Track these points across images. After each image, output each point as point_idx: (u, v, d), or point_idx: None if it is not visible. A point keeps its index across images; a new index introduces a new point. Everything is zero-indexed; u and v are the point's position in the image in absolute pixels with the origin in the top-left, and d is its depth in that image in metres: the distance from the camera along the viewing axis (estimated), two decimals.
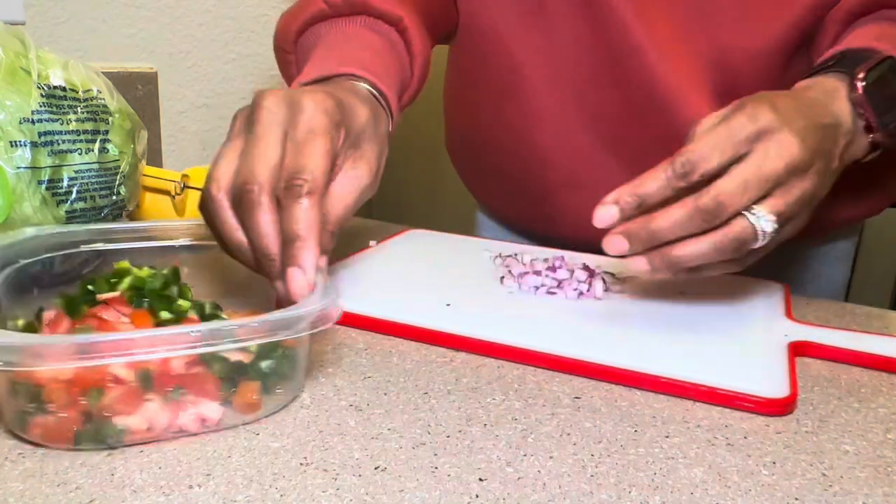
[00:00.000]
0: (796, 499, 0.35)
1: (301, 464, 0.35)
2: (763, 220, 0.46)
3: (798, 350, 0.51)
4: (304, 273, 0.41)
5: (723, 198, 0.45)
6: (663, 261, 0.48)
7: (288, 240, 0.42)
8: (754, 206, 0.46)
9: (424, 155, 1.71)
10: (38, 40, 0.57)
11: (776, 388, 0.43)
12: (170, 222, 0.54)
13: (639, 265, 0.49)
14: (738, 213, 0.46)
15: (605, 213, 0.48)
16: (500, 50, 0.72)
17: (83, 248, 0.49)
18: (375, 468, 0.35)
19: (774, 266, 0.74)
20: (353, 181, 0.47)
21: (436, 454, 0.37)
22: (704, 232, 0.47)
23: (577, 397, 0.43)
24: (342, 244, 0.52)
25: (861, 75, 0.51)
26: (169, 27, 1.07)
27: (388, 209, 2.02)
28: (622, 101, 0.68)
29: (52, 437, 0.35)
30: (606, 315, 0.54)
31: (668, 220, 0.47)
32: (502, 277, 0.60)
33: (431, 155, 1.65)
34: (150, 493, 0.33)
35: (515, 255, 0.66)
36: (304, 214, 0.42)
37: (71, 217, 0.55)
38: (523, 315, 0.53)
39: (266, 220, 0.42)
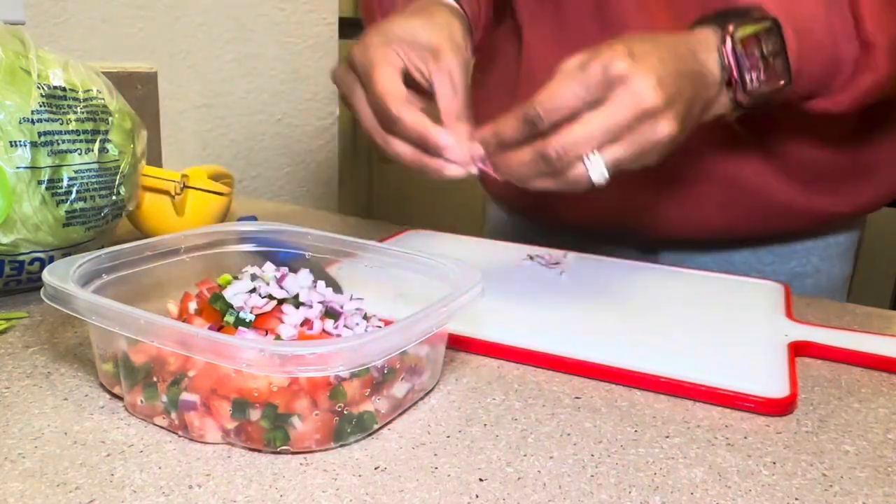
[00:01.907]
0: (796, 499, 0.35)
1: (301, 464, 0.35)
2: (596, 172, 0.47)
3: (798, 350, 0.50)
4: (449, 148, 0.51)
5: (565, 149, 0.47)
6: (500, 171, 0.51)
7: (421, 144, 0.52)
8: (594, 154, 0.47)
9: None
10: (38, 40, 0.57)
11: (776, 388, 0.43)
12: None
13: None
14: (577, 159, 0.47)
15: (471, 149, 0.51)
16: (516, 39, 0.73)
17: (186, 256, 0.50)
18: (375, 468, 0.35)
19: (774, 261, 0.74)
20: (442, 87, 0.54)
21: (436, 454, 0.37)
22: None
23: (577, 397, 0.43)
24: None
25: (731, 28, 0.52)
26: (169, 27, 1.07)
27: (388, 209, 2.02)
28: None
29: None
30: (606, 315, 0.54)
31: (513, 160, 0.49)
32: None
33: None
34: (149, 493, 0.33)
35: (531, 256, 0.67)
36: (408, 127, 0.52)
37: (71, 217, 0.55)
38: (522, 315, 0.53)
39: (401, 149, 0.53)
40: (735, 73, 0.52)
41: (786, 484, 0.36)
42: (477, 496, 0.33)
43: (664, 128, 0.47)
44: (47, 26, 0.91)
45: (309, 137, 1.40)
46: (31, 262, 0.54)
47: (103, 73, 0.62)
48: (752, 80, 0.52)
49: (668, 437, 0.39)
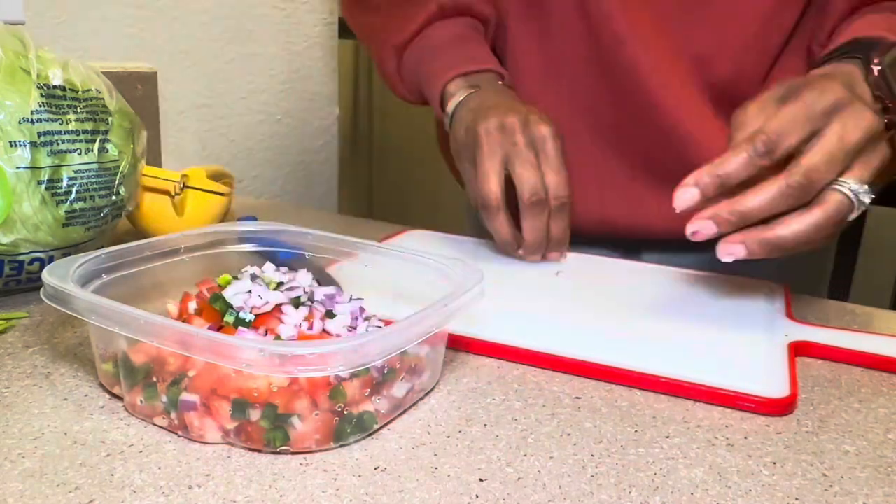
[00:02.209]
0: (797, 499, 0.35)
1: (301, 464, 0.35)
2: (860, 193, 0.47)
3: (798, 350, 0.50)
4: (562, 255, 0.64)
5: (813, 174, 0.46)
6: (762, 245, 0.48)
7: (552, 242, 0.63)
8: (842, 179, 0.47)
9: (424, 155, 1.71)
10: (38, 40, 0.57)
11: (776, 388, 0.43)
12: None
13: (735, 251, 0.48)
14: (828, 188, 0.47)
15: (685, 196, 0.48)
16: (501, 35, 0.74)
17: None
18: (375, 468, 0.35)
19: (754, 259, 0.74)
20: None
21: (436, 454, 0.37)
22: (792, 209, 0.47)
23: (577, 397, 0.43)
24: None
25: (876, 60, 0.52)
26: (169, 27, 1.07)
27: (388, 209, 2.02)
28: (611, 93, 0.70)
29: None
30: (606, 315, 0.54)
31: (760, 199, 0.47)
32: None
33: (431, 155, 1.65)
34: (149, 494, 0.33)
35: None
36: (563, 224, 0.62)
37: (70, 217, 0.55)
38: (522, 315, 0.53)
39: (534, 232, 0.62)
40: (889, 100, 0.51)
41: (786, 484, 0.36)
42: (477, 496, 0.33)
43: (885, 149, 0.48)
44: (47, 26, 0.91)
45: (309, 137, 1.40)
46: (31, 262, 0.54)
47: (103, 73, 0.62)
48: None
49: (668, 437, 0.39)
